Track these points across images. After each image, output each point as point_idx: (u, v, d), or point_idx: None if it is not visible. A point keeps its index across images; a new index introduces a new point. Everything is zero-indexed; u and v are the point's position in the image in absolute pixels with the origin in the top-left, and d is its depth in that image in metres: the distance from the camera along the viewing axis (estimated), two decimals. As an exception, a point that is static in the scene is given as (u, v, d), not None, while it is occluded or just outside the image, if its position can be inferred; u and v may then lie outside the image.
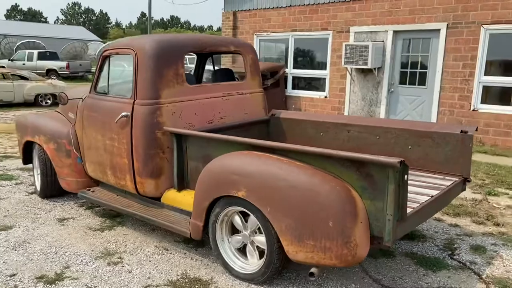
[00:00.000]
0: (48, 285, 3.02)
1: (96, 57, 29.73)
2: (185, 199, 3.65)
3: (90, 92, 4.31)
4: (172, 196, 3.75)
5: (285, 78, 11.04)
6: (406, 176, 2.46)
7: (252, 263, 3.11)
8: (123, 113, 3.76)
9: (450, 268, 3.29)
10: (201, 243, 3.71)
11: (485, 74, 8.08)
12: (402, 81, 9.18)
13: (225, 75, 4.66)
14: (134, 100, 3.74)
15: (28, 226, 4.07)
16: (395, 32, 9.09)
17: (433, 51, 8.65)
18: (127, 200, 4.07)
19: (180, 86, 3.84)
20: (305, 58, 10.99)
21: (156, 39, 3.82)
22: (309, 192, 2.64)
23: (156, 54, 3.69)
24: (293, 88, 11.10)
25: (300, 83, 11.03)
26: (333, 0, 9.99)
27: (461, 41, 8.25)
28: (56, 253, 3.52)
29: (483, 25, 7.98)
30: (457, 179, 3.46)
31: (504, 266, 3.33)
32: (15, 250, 3.57)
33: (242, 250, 3.23)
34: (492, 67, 8.07)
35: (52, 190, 4.82)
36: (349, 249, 2.55)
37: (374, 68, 9.23)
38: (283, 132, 4.59)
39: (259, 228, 3.04)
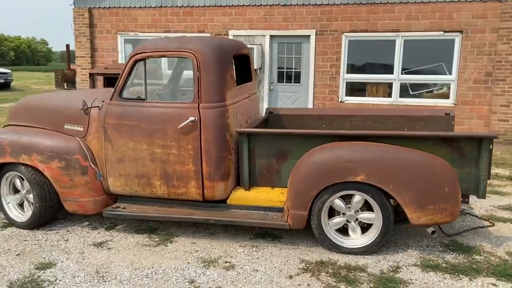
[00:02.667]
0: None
1: None
2: (258, 196, 3.84)
3: (112, 99, 3.89)
4: (242, 196, 3.86)
5: (161, 79, 10.95)
6: (491, 145, 3.43)
7: (356, 238, 3.62)
8: (191, 118, 3.65)
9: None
10: (277, 235, 3.94)
11: (347, 73, 9.98)
12: (280, 80, 10.40)
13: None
14: (199, 104, 3.68)
15: (73, 258, 3.48)
16: (272, 36, 10.22)
17: (305, 54, 10.14)
18: (180, 209, 3.91)
19: (234, 88, 3.95)
20: (181, 59, 11.10)
21: (213, 42, 3.83)
22: (427, 168, 3.37)
23: (219, 57, 3.73)
24: (169, 89, 11.09)
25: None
26: (208, 4, 10.46)
27: (327, 45, 9.94)
28: (156, 273, 3.24)
29: (343, 33, 9.84)
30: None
31: (480, 207, 4.72)
32: (106, 281, 3.11)
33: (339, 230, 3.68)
34: (351, 67, 10.02)
35: (48, 217, 4.09)
36: (458, 206, 3.40)
37: (256, 69, 10.16)
38: (284, 127, 5.04)
39: (361, 207, 3.57)
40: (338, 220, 3.64)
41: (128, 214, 3.90)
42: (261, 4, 10.15)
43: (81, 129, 4.02)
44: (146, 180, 3.87)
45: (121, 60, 11.30)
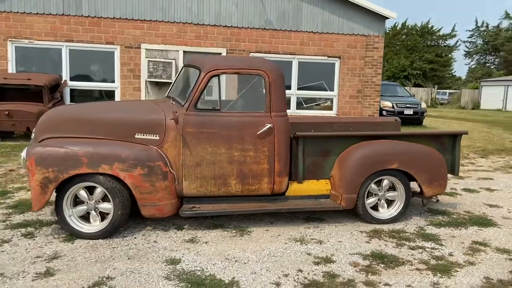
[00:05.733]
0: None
1: None
2: (310, 187, 4.79)
3: (187, 110, 4.31)
4: (297, 188, 4.75)
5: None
6: (460, 139, 5.14)
7: (385, 212, 4.88)
8: (268, 125, 4.39)
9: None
10: (321, 218, 4.92)
11: (253, 88, 11.27)
12: (193, 93, 11.04)
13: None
14: (271, 113, 4.45)
15: (188, 253, 3.81)
16: (185, 52, 10.83)
17: (216, 70, 11.05)
18: (250, 203, 4.54)
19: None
20: (86, 70, 10.68)
21: (274, 63, 4.63)
22: (431, 156, 4.86)
23: (282, 75, 4.59)
24: (73, 101, 10.56)
25: (82, 96, 10.65)
26: (118, 16, 10.45)
27: (236, 63, 11.07)
28: (273, 252, 3.88)
29: (250, 53, 11.14)
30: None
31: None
32: (245, 263, 3.63)
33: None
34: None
35: (122, 224, 4.20)
36: (447, 181, 5.00)
37: (170, 82, 10.62)
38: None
39: (387, 189, 4.87)
40: (372, 200, 4.84)
41: (208, 212, 4.33)
42: (174, 21, 10.70)
43: (157, 138, 4.27)
44: (223, 180, 4.39)
45: (11, 69, 10.26)
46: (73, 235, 4.10)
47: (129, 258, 3.70)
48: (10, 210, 4.84)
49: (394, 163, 4.70)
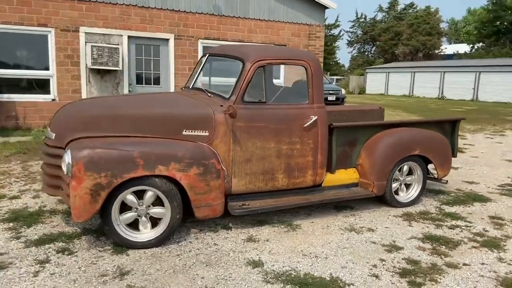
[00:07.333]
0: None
1: None
2: (341, 177, 4.87)
3: (235, 103, 4.05)
4: (331, 178, 4.79)
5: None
6: (459, 124, 5.61)
7: (404, 195, 5.15)
8: (314, 117, 4.33)
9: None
10: (349, 206, 5.02)
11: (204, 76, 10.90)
12: (139, 81, 10.31)
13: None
14: (313, 105, 4.40)
15: (260, 253, 3.61)
16: (129, 37, 10.02)
17: (164, 56, 10.45)
18: (292, 197, 4.45)
19: (317, 91, 4.77)
20: (14, 56, 9.28)
21: (313, 53, 4.54)
22: (441, 141, 5.24)
23: (321, 66, 4.53)
24: (-1, 91, 9.15)
25: (9, 86, 9.26)
26: (52, -6, 9.26)
27: (185, 49, 10.61)
28: (341, 244, 3.88)
29: (199, 39, 10.74)
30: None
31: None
32: (326, 258, 3.58)
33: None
34: (205, 71, 11.00)
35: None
36: (451, 164, 5.45)
37: (116, 70, 9.78)
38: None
39: (406, 174, 5.15)
40: (395, 185, 5.08)
41: (258, 208, 4.13)
42: (117, 3, 9.84)
43: (206, 133, 3.93)
44: (271, 175, 4.23)
45: None
46: (124, 245, 3.63)
47: (207, 265, 3.40)
48: (11, 225, 4.10)
49: (417, 149, 4.98)
